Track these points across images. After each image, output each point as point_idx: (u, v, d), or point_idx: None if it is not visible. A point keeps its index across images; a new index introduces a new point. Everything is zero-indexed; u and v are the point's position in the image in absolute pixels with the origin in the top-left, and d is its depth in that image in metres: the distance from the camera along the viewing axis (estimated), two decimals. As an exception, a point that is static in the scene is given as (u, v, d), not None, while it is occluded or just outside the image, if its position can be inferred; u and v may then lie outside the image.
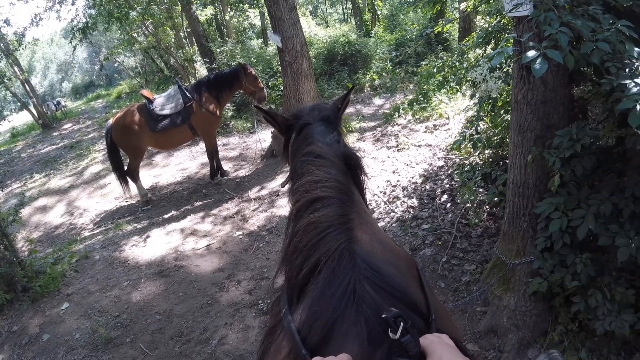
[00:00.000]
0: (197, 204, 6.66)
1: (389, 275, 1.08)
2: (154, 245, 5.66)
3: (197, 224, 6.04)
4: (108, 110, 14.88)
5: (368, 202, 5.59)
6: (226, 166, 7.82)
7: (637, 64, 2.12)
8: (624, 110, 2.02)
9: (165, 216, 6.42)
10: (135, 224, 6.32)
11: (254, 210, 6.19)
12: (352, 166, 1.60)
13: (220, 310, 4.27)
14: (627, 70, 2.14)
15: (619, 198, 2.55)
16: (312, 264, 1.17)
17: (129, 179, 6.87)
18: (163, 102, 6.53)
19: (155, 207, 6.85)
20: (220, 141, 8.97)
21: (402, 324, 0.83)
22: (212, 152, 7.09)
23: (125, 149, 6.71)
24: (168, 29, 11.98)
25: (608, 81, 2.18)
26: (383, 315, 0.87)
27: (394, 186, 5.92)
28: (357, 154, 1.68)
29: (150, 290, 4.72)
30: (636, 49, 2.15)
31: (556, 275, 2.88)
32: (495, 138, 4.97)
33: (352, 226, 1.23)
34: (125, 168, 6.86)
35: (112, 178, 8.13)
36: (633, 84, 2.01)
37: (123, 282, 4.90)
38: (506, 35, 4.21)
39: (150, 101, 6.52)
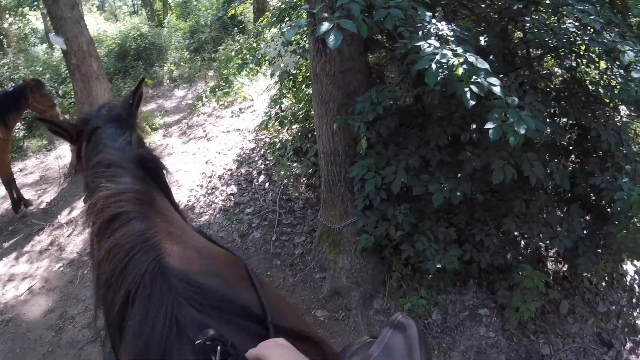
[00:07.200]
0: (6, 244, 5.64)
1: (212, 288, 1.01)
2: (-29, 307, 4.65)
3: (13, 267, 5.13)
4: None
5: (187, 199, 5.44)
6: (28, 194, 6.72)
7: (428, 26, 2.33)
8: (419, 70, 2.16)
9: (-25, 269, 5.36)
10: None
11: (69, 236, 5.50)
12: (150, 169, 1.41)
13: (64, 355, 3.78)
14: (419, 33, 2.33)
15: (425, 150, 2.82)
16: (122, 298, 1.02)
17: None
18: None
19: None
20: (15, 167, 7.68)
21: (218, 348, 0.79)
22: (9, 182, 5.99)
23: None
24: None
25: (402, 45, 2.34)
26: (197, 342, 0.80)
27: (210, 177, 5.82)
28: (153, 153, 1.51)
29: (-21, 359, 3.91)
30: (427, 12, 2.35)
31: (380, 229, 3.10)
32: (301, 113, 5.16)
33: (158, 240, 1.09)
34: None
35: None
36: (427, 44, 2.18)
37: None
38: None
39: None
